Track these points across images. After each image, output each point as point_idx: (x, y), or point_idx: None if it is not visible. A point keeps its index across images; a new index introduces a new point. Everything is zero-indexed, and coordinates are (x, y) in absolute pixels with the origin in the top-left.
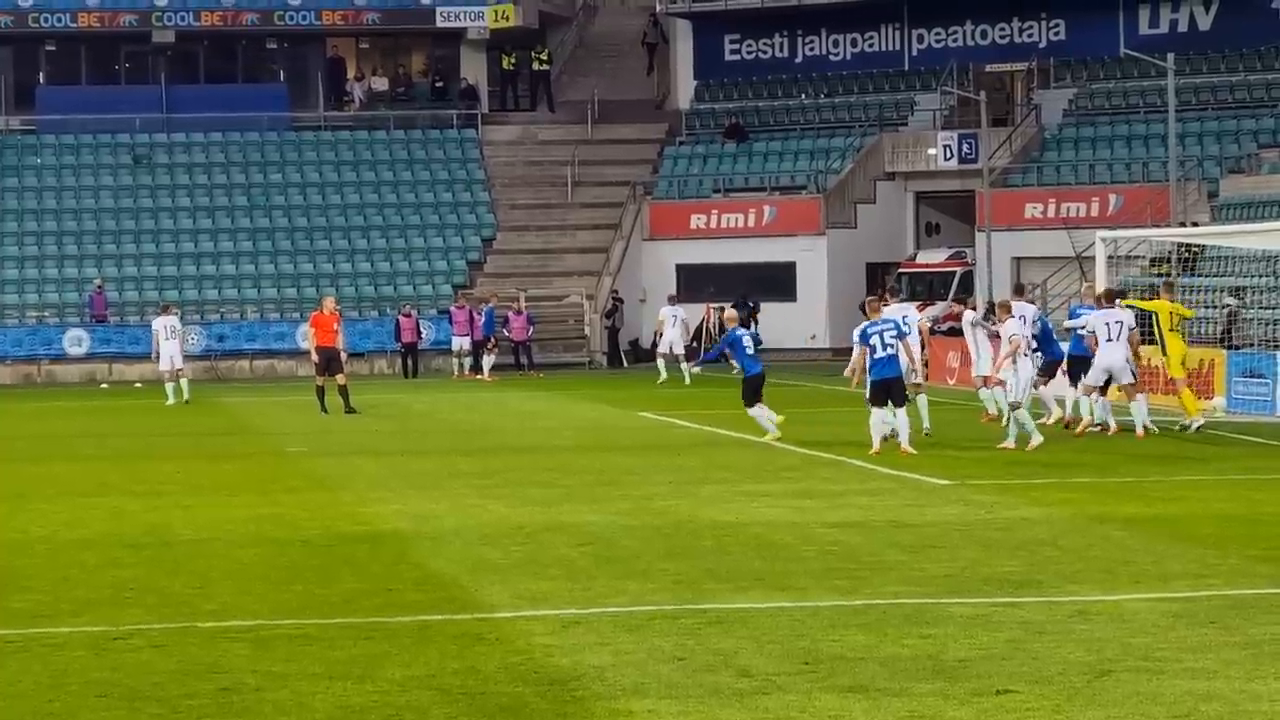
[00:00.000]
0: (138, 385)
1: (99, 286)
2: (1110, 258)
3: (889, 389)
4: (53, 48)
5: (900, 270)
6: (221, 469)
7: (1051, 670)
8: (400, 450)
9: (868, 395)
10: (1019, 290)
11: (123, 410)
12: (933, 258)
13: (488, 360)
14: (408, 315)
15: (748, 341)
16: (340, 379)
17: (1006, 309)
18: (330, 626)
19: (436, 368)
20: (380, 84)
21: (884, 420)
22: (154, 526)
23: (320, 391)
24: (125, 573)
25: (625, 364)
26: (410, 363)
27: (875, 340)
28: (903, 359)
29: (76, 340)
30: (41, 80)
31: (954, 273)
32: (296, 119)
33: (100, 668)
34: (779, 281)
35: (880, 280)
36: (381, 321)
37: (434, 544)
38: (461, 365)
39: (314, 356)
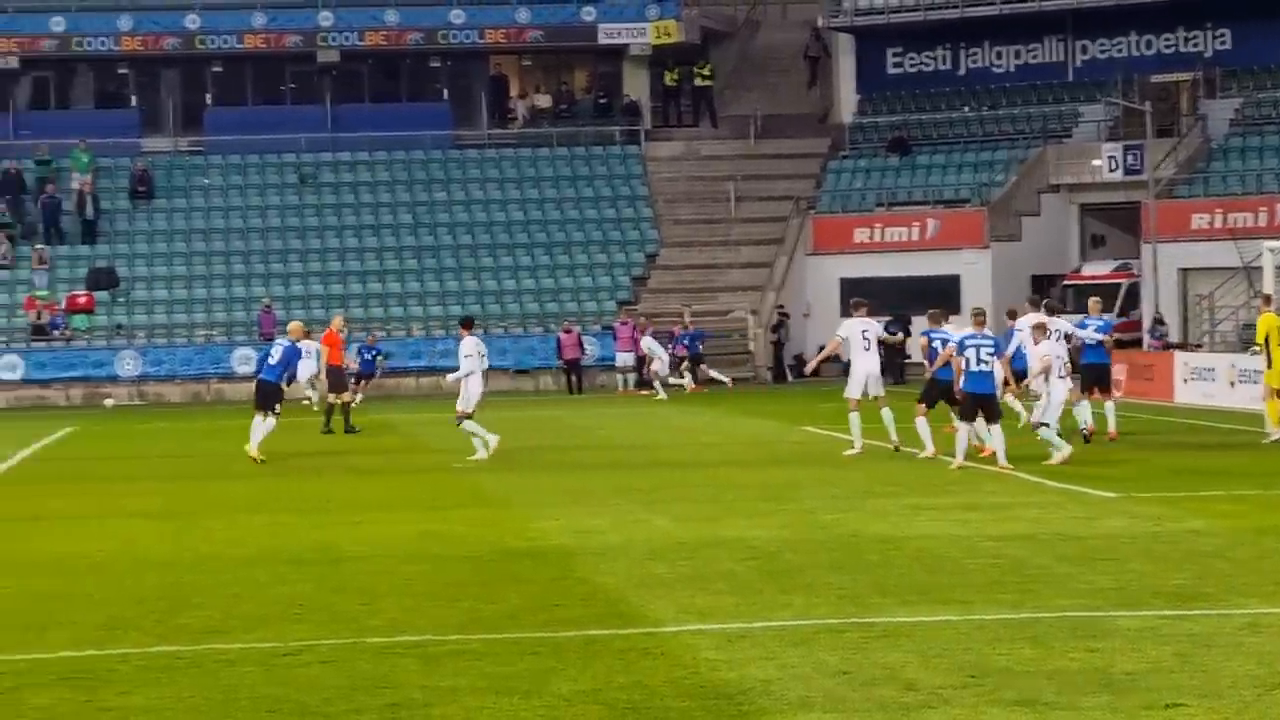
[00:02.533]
0: (305, 402)
1: (266, 305)
2: (1278, 267)
3: (980, 404)
4: (219, 69)
5: (1065, 283)
6: (388, 485)
7: (1221, 684)
8: (564, 466)
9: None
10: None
11: (289, 428)
12: (1098, 270)
13: (681, 377)
14: (568, 332)
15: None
16: (345, 397)
17: (1042, 330)
18: (497, 642)
19: (601, 384)
20: (543, 101)
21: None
22: (322, 543)
23: (331, 410)
24: (294, 589)
25: (790, 378)
26: (574, 379)
27: (970, 354)
28: (997, 376)
29: (244, 359)
30: (209, 102)
31: (1120, 285)
32: (460, 137)
33: (270, 683)
34: (943, 295)
35: (1044, 292)
36: (545, 338)
37: (599, 559)
38: (625, 381)
39: (323, 375)
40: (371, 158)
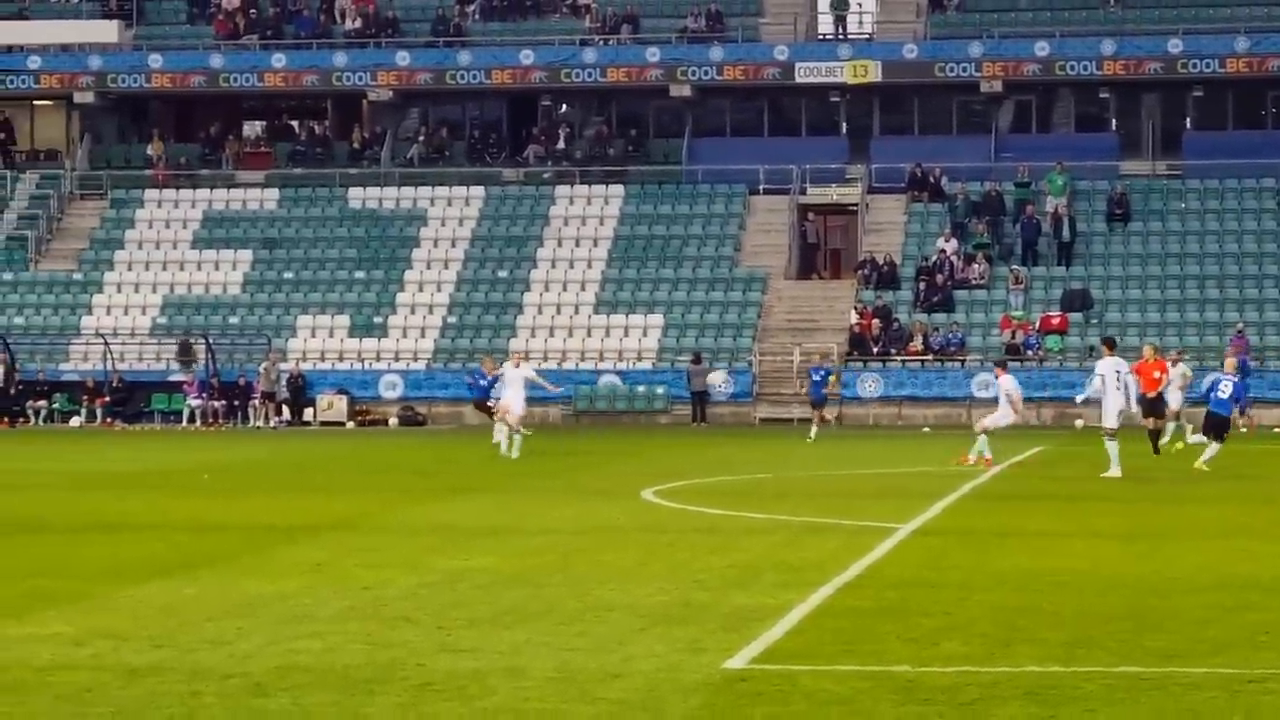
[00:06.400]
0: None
1: (1239, 330)
2: None
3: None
4: (1199, 93)
5: None
6: None
7: None
8: None
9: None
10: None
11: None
12: None
13: None
14: None
15: None
16: (1158, 422)
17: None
18: None
19: None
20: None
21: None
22: None
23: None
24: (1259, 616)
25: None
26: None
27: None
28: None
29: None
30: (1188, 126)
31: None
32: None
33: (1234, 710)
34: None
35: None
36: None
37: None
38: None
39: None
40: None
